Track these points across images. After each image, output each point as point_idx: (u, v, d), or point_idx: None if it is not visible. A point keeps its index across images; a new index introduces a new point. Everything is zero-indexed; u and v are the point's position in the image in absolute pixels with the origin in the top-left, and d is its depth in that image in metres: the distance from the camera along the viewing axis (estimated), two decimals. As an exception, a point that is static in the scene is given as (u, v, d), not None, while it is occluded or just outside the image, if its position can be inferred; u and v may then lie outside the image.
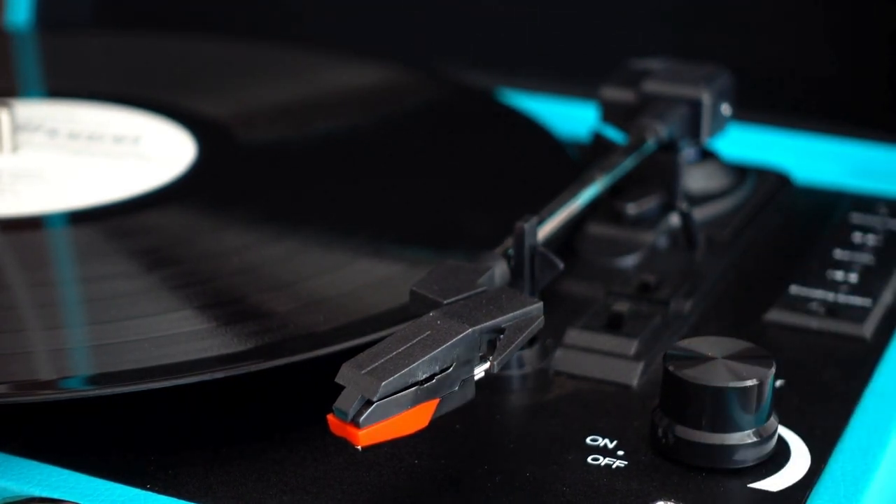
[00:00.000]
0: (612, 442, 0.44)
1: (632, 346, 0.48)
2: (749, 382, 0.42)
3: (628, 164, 0.53)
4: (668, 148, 0.55)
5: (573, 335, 0.48)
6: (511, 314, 0.42)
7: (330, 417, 0.39)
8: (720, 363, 0.43)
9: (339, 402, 0.39)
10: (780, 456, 0.43)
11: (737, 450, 0.42)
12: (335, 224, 0.54)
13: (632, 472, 0.43)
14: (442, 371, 0.40)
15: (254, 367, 0.44)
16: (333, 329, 0.46)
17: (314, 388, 0.46)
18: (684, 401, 0.42)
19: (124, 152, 0.59)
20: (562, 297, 0.52)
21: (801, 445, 0.44)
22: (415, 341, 0.41)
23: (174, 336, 0.45)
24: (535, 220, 0.47)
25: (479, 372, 0.42)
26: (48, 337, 0.46)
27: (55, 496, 0.41)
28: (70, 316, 0.47)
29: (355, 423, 0.39)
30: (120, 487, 0.42)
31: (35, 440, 0.44)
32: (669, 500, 0.41)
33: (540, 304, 0.43)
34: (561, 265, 0.47)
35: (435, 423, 0.45)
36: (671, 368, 0.43)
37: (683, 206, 0.55)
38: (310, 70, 0.69)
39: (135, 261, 0.50)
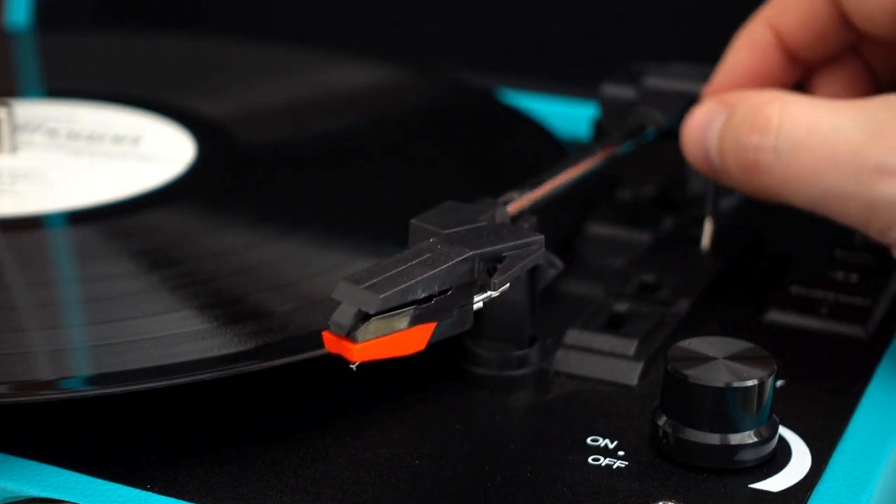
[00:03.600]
0: (612, 442, 0.44)
1: (632, 346, 0.48)
2: (749, 382, 0.42)
3: (624, 149, 0.53)
4: (667, 137, 0.55)
5: (573, 335, 0.48)
6: (512, 243, 0.42)
7: (325, 333, 0.39)
8: (720, 363, 0.43)
9: (336, 316, 0.39)
10: (781, 456, 0.43)
11: (737, 450, 0.42)
12: (335, 224, 0.54)
13: (632, 473, 0.43)
14: (441, 293, 0.40)
15: (254, 367, 0.44)
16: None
17: (314, 389, 0.46)
18: (685, 401, 0.42)
19: (124, 152, 0.59)
20: (562, 297, 0.52)
21: (802, 445, 0.44)
22: (414, 262, 0.40)
23: (174, 336, 0.45)
24: (534, 220, 0.47)
25: (479, 300, 0.42)
26: (48, 337, 0.46)
27: (55, 496, 0.41)
28: (70, 316, 0.47)
29: (351, 337, 0.38)
30: (120, 487, 0.42)
31: (35, 440, 0.44)
32: (670, 500, 0.41)
33: (541, 238, 0.43)
34: (561, 265, 0.47)
35: (435, 423, 0.45)
36: (671, 368, 0.43)
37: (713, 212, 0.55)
38: (309, 70, 0.69)
39: (135, 261, 0.50)
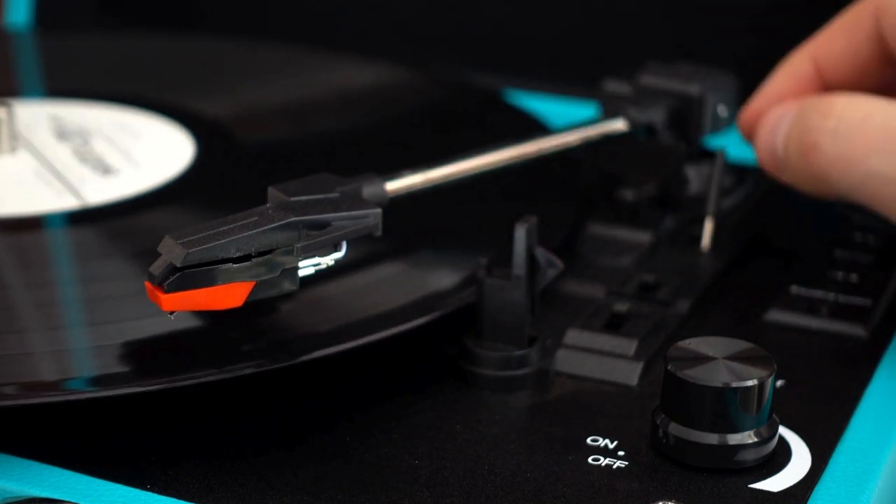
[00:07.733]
0: (612, 442, 0.44)
1: (632, 346, 0.48)
2: (749, 382, 0.42)
3: (587, 132, 0.53)
4: (651, 135, 0.55)
5: (573, 335, 0.48)
6: (343, 213, 0.43)
7: (146, 282, 0.41)
8: (720, 363, 0.43)
9: (152, 266, 0.41)
10: (781, 456, 0.43)
11: (737, 450, 0.42)
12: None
13: (632, 473, 0.43)
14: (260, 254, 0.42)
15: (254, 368, 0.44)
16: (333, 329, 0.46)
17: (314, 389, 0.46)
18: (685, 401, 0.42)
19: (123, 153, 0.59)
20: (562, 297, 0.51)
21: (802, 446, 0.44)
22: (240, 223, 0.42)
23: (174, 336, 0.45)
24: (534, 220, 0.47)
25: (308, 266, 0.43)
26: (49, 338, 0.46)
27: (55, 496, 0.41)
28: (71, 317, 0.47)
29: (161, 287, 0.41)
30: (120, 487, 0.42)
31: (35, 440, 0.44)
32: (670, 500, 0.41)
33: (377, 211, 0.44)
34: (561, 265, 0.47)
35: (435, 423, 0.45)
36: (671, 368, 0.43)
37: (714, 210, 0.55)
38: (310, 70, 0.69)
39: (135, 261, 0.50)
